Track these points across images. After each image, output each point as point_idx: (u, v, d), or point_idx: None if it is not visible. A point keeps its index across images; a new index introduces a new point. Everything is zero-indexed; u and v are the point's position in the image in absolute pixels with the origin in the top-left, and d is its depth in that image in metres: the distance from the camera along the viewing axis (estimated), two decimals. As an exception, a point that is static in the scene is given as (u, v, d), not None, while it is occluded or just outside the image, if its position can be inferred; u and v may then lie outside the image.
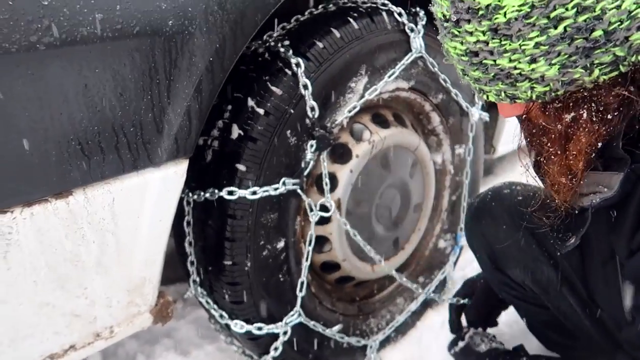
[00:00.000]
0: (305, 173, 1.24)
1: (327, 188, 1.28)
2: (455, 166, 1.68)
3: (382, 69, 1.33)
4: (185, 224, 1.23)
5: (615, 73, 0.70)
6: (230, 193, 1.14)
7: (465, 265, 1.90)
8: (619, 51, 0.67)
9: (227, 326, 1.30)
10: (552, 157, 0.79)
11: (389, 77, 1.33)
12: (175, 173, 1.00)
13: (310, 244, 1.28)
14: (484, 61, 0.73)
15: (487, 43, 0.71)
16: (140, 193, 0.96)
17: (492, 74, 0.74)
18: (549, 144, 0.79)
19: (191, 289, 1.31)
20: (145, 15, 0.87)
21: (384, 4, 1.34)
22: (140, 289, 1.06)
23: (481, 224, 1.25)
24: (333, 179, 1.35)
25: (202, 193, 1.18)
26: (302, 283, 1.30)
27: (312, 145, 1.22)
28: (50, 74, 0.79)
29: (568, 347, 1.02)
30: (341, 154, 1.36)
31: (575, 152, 0.76)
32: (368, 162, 1.39)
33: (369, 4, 1.33)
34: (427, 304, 1.75)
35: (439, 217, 1.72)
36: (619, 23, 0.65)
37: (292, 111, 1.18)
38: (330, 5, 1.32)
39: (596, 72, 0.69)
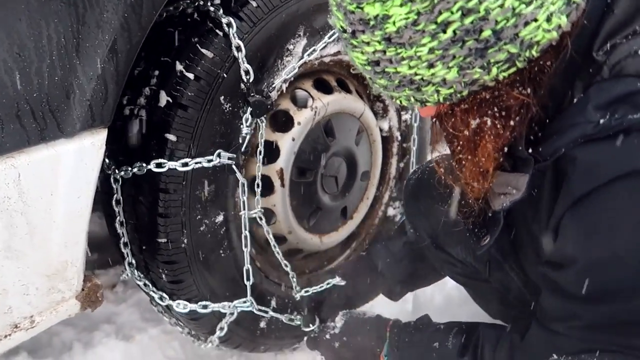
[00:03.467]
0: (243, 148, 1.17)
1: (260, 158, 1.21)
2: (402, 133, 1.64)
3: (322, 30, 1.26)
4: (114, 202, 1.14)
5: (514, 69, 0.71)
6: (159, 165, 1.06)
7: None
8: (511, 48, 0.69)
9: (169, 308, 1.23)
10: (463, 161, 0.82)
11: (329, 37, 1.26)
12: (92, 144, 0.90)
13: (246, 228, 1.22)
14: (386, 70, 0.73)
15: (384, 52, 0.71)
16: (52, 167, 0.86)
17: (397, 81, 0.74)
18: (459, 148, 0.81)
19: (127, 271, 1.22)
20: (42, -38, 0.76)
21: (321, -41, 1.26)
22: (62, 274, 0.96)
23: (419, 203, 1.22)
24: (274, 148, 1.28)
25: (129, 168, 1.08)
26: (248, 271, 1.24)
27: (248, 112, 1.14)
28: None
29: (516, 318, 1.02)
30: (282, 122, 1.29)
31: (484, 158, 0.79)
32: (311, 130, 1.32)
33: (305, -41, 1.25)
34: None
35: (387, 185, 1.69)
36: (505, 21, 0.66)
37: (224, 75, 1.09)
38: (264, -39, 1.22)
39: (494, 70, 0.70)
